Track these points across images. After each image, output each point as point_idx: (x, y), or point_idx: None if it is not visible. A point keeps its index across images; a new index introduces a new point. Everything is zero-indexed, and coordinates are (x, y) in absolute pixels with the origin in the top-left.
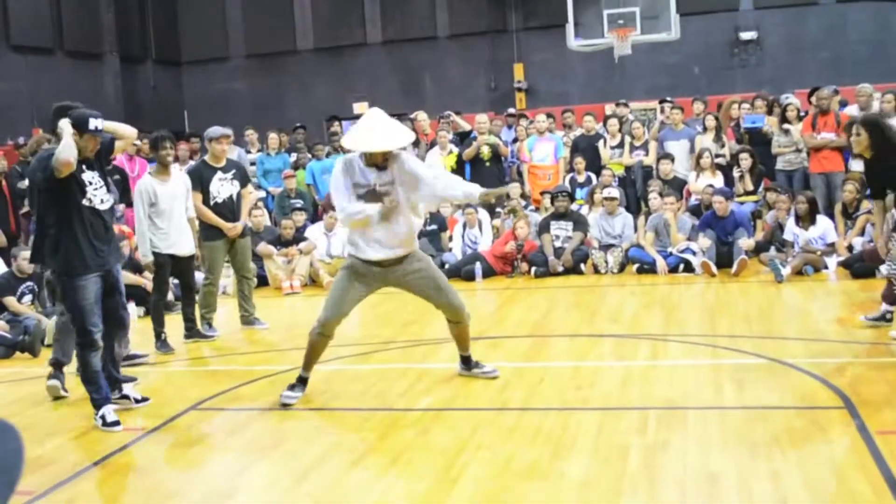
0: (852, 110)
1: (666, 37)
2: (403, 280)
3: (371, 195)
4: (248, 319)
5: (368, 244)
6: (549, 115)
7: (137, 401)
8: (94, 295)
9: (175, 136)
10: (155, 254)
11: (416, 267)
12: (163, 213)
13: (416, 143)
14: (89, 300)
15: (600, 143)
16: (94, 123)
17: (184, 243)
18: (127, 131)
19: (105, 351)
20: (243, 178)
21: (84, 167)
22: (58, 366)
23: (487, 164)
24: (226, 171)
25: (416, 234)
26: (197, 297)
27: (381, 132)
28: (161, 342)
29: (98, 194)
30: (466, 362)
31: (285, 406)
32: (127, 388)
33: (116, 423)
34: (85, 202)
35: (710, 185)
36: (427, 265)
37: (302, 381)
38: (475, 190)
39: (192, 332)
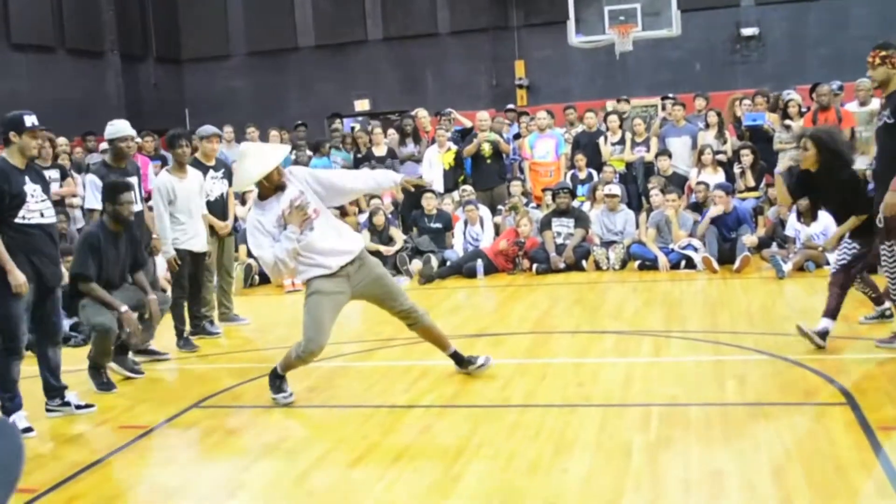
0: (853, 106)
1: (667, 33)
2: (366, 290)
3: (295, 213)
4: (227, 316)
5: (322, 261)
6: (549, 113)
7: (79, 407)
8: (25, 303)
9: None
10: (175, 250)
11: (376, 273)
12: (182, 209)
13: (416, 140)
14: (20, 308)
15: (601, 140)
16: (30, 121)
17: (200, 239)
18: None
19: (41, 360)
20: (231, 177)
21: (27, 179)
22: (121, 350)
23: (488, 160)
24: (216, 169)
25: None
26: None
27: (254, 161)
28: (184, 340)
29: (39, 208)
30: (459, 361)
31: (285, 405)
32: (69, 396)
33: (29, 429)
34: (18, 219)
35: (703, 183)
36: (384, 272)
37: (282, 379)
38: (395, 177)
39: (197, 328)
